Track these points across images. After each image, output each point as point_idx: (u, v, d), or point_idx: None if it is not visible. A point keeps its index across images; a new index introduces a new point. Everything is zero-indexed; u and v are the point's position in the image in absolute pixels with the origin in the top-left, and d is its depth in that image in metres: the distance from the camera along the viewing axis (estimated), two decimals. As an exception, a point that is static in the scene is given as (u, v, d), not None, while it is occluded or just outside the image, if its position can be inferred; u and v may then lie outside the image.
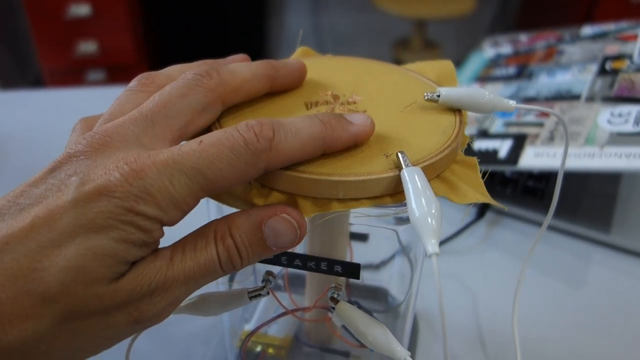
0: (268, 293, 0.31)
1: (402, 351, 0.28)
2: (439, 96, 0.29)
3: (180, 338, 0.44)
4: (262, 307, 0.44)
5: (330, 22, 2.47)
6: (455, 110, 0.30)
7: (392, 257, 0.39)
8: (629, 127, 0.53)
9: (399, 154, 0.25)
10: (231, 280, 0.35)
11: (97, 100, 0.58)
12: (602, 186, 0.60)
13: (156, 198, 0.21)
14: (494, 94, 0.30)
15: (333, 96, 0.30)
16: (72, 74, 1.90)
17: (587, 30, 0.78)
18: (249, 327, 0.42)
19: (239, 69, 0.27)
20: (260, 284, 0.31)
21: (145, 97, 0.25)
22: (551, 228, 0.55)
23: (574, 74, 0.66)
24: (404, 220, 0.31)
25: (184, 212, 0.22)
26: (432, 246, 0.22)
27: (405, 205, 0.26)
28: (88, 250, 0.20)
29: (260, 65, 0.28)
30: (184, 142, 0.23)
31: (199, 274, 0.23)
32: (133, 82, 0.27)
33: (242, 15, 2.16)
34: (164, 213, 0.21)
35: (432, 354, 0.43)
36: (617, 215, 0.55)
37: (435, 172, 0.26)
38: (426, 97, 0.29)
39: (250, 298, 0.31)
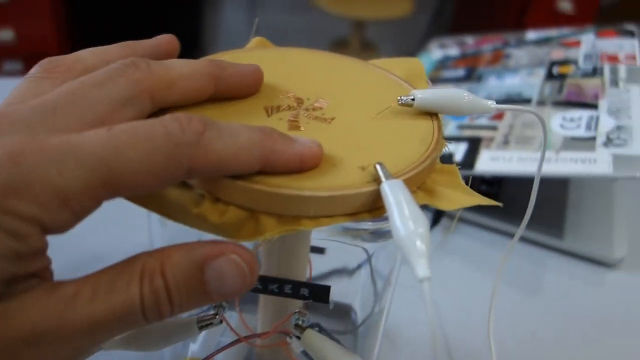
0: (221, 322, 0.27)
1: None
2: (413, 99, 0.26)
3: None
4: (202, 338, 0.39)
5: (267, 20, 2.42)
6: (432, 113, 0.27)
7: (357, 269, 0.36)
8: (582, 132, 0.52)
9: (378, 166, 0.21)
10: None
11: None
12: (551, 191, 0.59)
13: (34, 190, 0.16)
14: (472, 94, 0.27)
15: (296, 99, 0.26)
16: (-15, 64, 1.75)
17: (531, 35, 0.78)
18: (194, 348, 0.38)
19: (174, 63, 0.23)
20: (210, 311, 0.27)
21: (50, 85, 0.21)
22: (506, 234, 0.54)
23: (523, 77, 0.66)
24: (377, 236, 0.27)
25: (76, 215, 0.17)
26: (422, 269, 0.19)
27: (382, 220, 0.23)
28: None
29: (201, 62, 0.24)
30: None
31: (112, 322, 0.17)
32: (35, 68, 0.22)
33: (176, 8, 2.07)
34: (45, 211, 0.16)
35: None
36: (569, 221, 0.55)
37: (416, 184, 0.23)
38: (400, 102, 0.26)
39: (200, 328, 0.26)
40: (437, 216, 0.55)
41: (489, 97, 0.64)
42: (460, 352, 0.41)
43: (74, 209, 0.17)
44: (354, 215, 0.22)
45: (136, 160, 0.17)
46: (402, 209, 0.20)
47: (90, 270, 0.19)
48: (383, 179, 0.21)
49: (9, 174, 0.16)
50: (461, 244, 0.53)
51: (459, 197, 0.23)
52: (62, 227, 0.17)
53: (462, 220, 0.56)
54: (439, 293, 0.47)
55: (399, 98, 0.26)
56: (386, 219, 0.22)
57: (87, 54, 0.23)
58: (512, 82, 0.65)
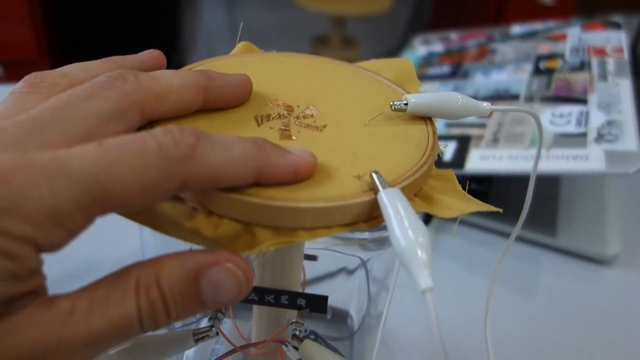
0: (217, 333, 0.26)
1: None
2: (406, 104, 0.26)
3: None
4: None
5: (246, 19, 2.40)
6: (425, 118, 0.26)
7: (352, 273, 0.35)
8: (572, 128, 0.52)
9: (374, 175, 0.21)
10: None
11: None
12: (543, 189, 0.59)
13: (26, 209, 0.15)
14: (466, 97, 0.27)
15: (286, 107, 0.25)
16: (-40, 70, 1.71)
17: (516, 29, 0.78)
18: (189, 354, 0.37)
19: (163, 74, 0.22)
20: (206, 323, 0.26)
21: (36, 100, 0.20)
22: (499, 233, 0.53)
23: (509, 73, 0.66)
24: (375, 245, 0.27)
25: (70, 233, 0.17)
26: (424, 280, 0.18)
27: (380, 230, 0.22)
28: None
29: (190, 74, 0.23)
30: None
31: (109, 335, 0.17)
32: (20, 84, 0.21)
33: (154, 9, 2.04)
34: (38, 231, 0.16)
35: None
36: (561, 218, 0.54)
37: (413, 192, 0.23)
38: (393, 107, 0.26)
39: (197, 340, 0.25)
40: (428, 216, 0.54)
41: (476, 94, 0.63)
42: (457, 353, 0.41)
43: (67, 227, 0.16)
44: (350, 225, 0.21)
45: (128, 176, 0.17)
46: (400, 219, 0.19)
47: (83, 280, 0.18)
48: (380, 188, 0.20)
49: (0, 193, 0.15)
50: (452, 244, 0.53)
51: (458, 204, 0.23)
52: (55, 246, 0.17)
53: (452, 219, 0.55)
54: (434, 295, 0.46)
55: (391, 103, 0.25)
56: (384, 228, 0.22)
57: (73, 69, 0.23)
58: (499, 78, 0.65)
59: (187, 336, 0.25)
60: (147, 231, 0.26)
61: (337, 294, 0.36)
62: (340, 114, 0.26)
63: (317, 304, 0.25)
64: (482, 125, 0.57)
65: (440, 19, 2.30)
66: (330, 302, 0.36)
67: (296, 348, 0.25)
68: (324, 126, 0.24)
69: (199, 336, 0.25)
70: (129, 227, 0.19)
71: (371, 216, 0.21)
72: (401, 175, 0.22)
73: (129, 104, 0.20)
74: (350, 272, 0.35)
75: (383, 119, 0.26)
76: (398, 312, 0.39)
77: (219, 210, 0.21)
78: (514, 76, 0.64)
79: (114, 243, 0.27)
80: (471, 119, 0.59)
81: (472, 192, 0.61)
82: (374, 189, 0.21)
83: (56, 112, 0.19)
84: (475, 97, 0.64)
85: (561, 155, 0.49)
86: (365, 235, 0.25)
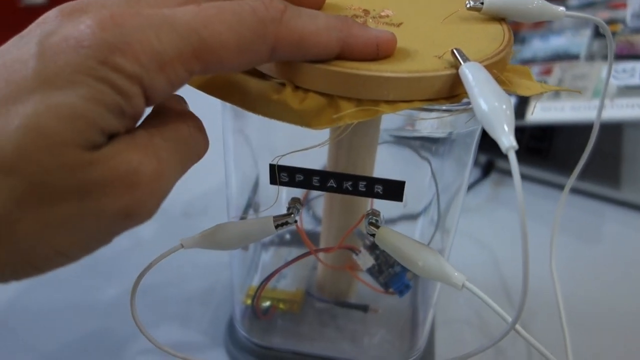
0: (296, 221, 0.27)
1: (458, 276, 0.24)
2: (482, 3, 0.26)
3: (177, 301, 0.39)
4: (267, 263, 0.40)
5: None
6: (500, 19, 0.27)
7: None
8: (636, 81, 0.51)
9: (455, 51, 0.21)
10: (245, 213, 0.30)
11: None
12: (605, 144, 0.58)
13: (136, 50, 0.16)
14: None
15: (363, 11, 0.26)
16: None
17: (574, 1, 0.77)
18: (265, 257, 0.38)
19: None
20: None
21: None
22: (559, 187, 0.53)
23: (568, 37, 0.65)
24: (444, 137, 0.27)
25: (171, 83, 0.18)
26: (507, 138, 0.18)
27: (462, 105, 0.23)
28: (49, 108, 0.15)
29: None
30: None
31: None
32: None
33: None
34: (145, 72, 0.17)
35: (451, 308, 0.39)
36: (625, 172, 0.54)
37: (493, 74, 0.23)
38: (468, 5, 0.26)
39: (277, 227, 0.26)
40: (487, 169, 0.54)
41: (534, 57, 0.63)
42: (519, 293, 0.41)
43: (169, 75, 0.17)
44: (431, 100, 0.22)
45: (224, 32, 0.18)
46: (483, 86, 0.19)
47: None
48: (461, 62, 0.21)
49: (112, 33, 0.16)
50: (513, 196, 0.52)
51: (536, 86, 0.23)
52: (158, 95, 0.18)
53: (511, 173, 0.55)
54: (494, 240, 0.46)
55: (467, 2, 0.26)
56: (465, 104, 0.22)
57: None
58: (558, 42, 0.64)
59: (267, 222, 0.26)
60: (230, 126, 0.27)
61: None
62: (415, 15, 0.26)
63: (394, 190, 0.26)
64: (543, 82, 0.56)
65: None
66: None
67: (373, 235, 0.26)
68: (401, 23, 0.25)
69: (279, 222, 0.26)
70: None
71: (452, 93, 0.22)
72: (480, 58, 0.22)
73: None
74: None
75: (458, 18, 0.26)
76: (461, 254, 0.39)
77: (304, 84, 0.21)
78: (573, 40, 0.64)
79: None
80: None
81: (532, 149, 0.61)
82: (455, 66, 0.21)
83: None
84: (534, 60, 0.64)
85: (625, 104, 0.48)
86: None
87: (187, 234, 0.27)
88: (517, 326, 0.23)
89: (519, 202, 0.18)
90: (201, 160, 0.21)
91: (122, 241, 0.21)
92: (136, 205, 0.17)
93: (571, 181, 0.34)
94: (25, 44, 0.17)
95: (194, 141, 0.20)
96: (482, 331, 0.38)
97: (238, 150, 0.30)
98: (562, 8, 0.27)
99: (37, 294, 0.39)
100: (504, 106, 0.19)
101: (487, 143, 0.26)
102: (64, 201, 0.16)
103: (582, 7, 0.74)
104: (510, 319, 0.22)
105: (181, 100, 0.22)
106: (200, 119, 0.21)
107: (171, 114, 0.20)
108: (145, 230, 0.44)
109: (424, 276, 0.25)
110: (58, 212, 0.16)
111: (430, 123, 0.27)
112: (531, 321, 0.39)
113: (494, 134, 0.18)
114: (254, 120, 0.22)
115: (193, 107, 0.22)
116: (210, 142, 0.21)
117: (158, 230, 0.44)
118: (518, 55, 0.65)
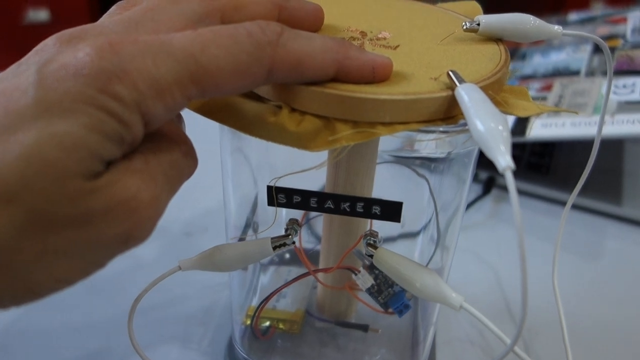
0: (294, 243, 0.27)
1: (456, 297, 0.24)
2: (478, 25, 0.26)
3: (176, 321, 0.39)
4: (267, 283, 0.40)
5: None
6: (496, 40, 0.27)
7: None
8: (637, 96, 0.51)
9: (450, 72, 0.21)
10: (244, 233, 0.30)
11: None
12: (607, 161, 0.58)
13: (133, 77, 0.17)
14: (538, 19, 0.27)
15: (360, 33, 0.27)
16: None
17: (574, 16, 0.78)
18: (264, 280, 0.38)
19: None
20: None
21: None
22: (560, 203, 0.52)
23: (569, 53, 0.65)
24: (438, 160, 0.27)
25: (168, 108, 0.18)
26: (503, 158, 0.18)
27: (459, 126, 0.23)
28: (52, 137, 0.16)
29: None
30: None
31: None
32: (113, 8, 0.23)
33: None
34: (144, 99, 0.17)
35: (452, 327, 0.39)
36: (626, 188, 0.53)
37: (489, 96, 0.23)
38: (465, 27, 0.26)
39: (274, 248, 0.26)
40: (488, 185, 0.54)
41: (534, 73, 0.63)
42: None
43: (167, 101, 0.17)
44: (428, 122, 0.22)
45: (221, 56, 0.18)
46: (478, 107, 0.19)
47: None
48: (457, 83, 0.21)
49: (110, 60, 0.16)
50: (513, 213, 0.52)
51: (533, 106, 0.23)
52: (156, 121, 0.18)
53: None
54: (496, 257, 0.46)
55: (463, 23, 0.26)
56: (462, 125, 0.22)
57: None
58: (558, 58, 0.65)
59: (264, 243, 0.26)
60: (227, 146, 0.28)
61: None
62: (412, 36, 0.26)
63: (392, 211, 0.26)
64: (544, 99, 0.57)
65: (495, 5, 2.29)
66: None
67: (370, 256, 0.26)
68: (397, 46, 0.25)
69: (277, 243, 0.26)
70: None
71: (449, 115, 0.22)
72: (476, 79, 0.22)
73: (212, 9, 0.21)
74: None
75: (455, 40, 0.26)
76: (459, 273, 0.39)
77: (301, 106, 0.22)
78: (574, 56, 0.64)
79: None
80: (532, 93, 0.58)
81: (532, 165, 0.61)
82: (451, 87, 0.21)
83: (148, 13, 0.20)
84: (534, 76, 0.64)
85: (626, 120, 0.48)
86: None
87: (187, 253, 0.27)
88: (516, 348, 0.22)
89: (517, 222, 0.18)
90: (202, 179, 0.21)
91: (123, 261, 0.21)
92: (135, 229, 0.18)
93: (573, 197, 0.34)
94: (23, 72, 0.17)
95: (186, 164, 0.20)
96: (484, 350, 0.38)
97: (237, 169, 0.30)
98: (559, 27, 0.27)
99: (36, 315, 0.39)
100: (500, 127, 0.19)
101: (488, 160, 0.26)
102: (65, 230, 0.16)
103: (582, 22, 0.74)
104: (509, 341, 0.22)
105: (177, 119, 0.22)
106: (199, 138, 0.22)
107: (165, 136, 0.20)
108: (145, 250, 0.44)
109: (421, 297, 0.25)
110: (58, 240, 0.16)
111: (428, 144, 0.27)
112: (534, 339, 0.38)
113: (491, 154, 0.18)
114: (253, 139, 0.22)
115: (191, 126, 0.22)
116: (211, 161, 0.22)
117: (159, 250, 0.44)
118: (518, 72, 0.65)
